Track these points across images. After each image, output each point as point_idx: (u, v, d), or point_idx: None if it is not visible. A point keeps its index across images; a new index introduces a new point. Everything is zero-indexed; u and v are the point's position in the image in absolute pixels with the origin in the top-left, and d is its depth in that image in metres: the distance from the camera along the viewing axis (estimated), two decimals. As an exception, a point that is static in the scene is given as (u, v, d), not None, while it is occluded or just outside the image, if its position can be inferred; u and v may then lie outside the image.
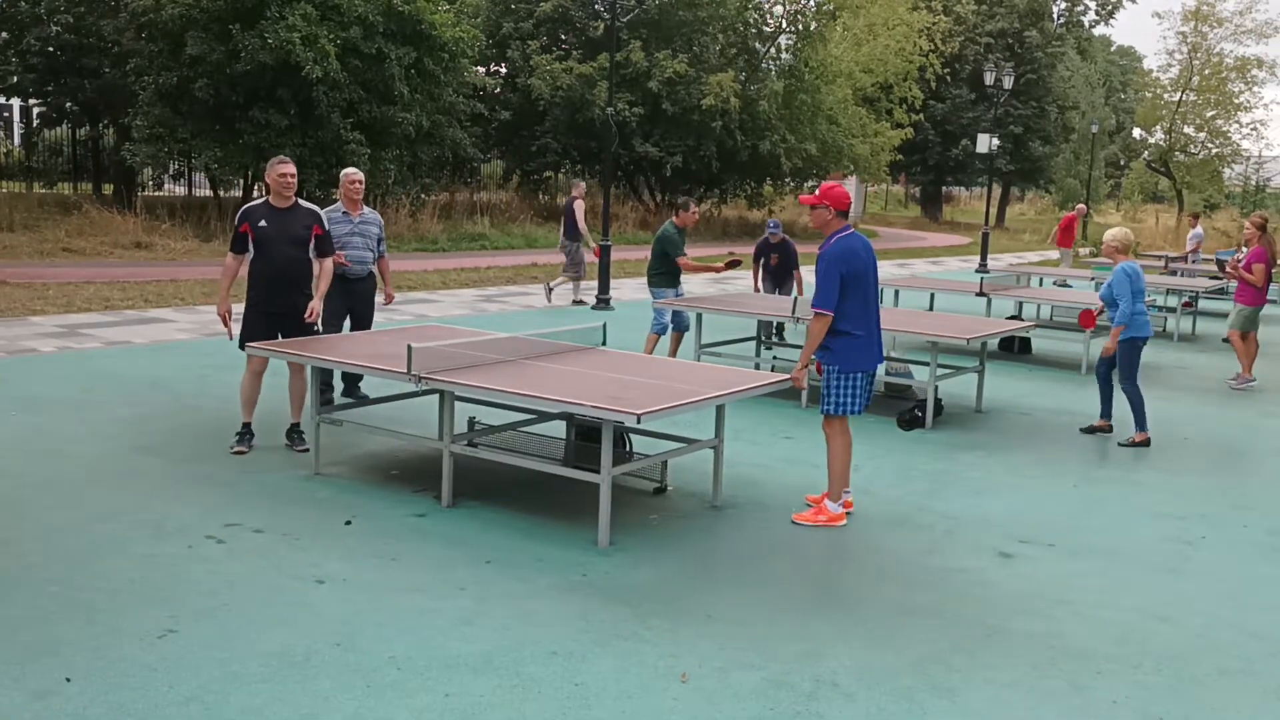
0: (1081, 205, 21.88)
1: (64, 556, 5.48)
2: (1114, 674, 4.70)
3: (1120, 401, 9.11)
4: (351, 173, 8.77)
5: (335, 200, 8.76)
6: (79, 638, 4.57)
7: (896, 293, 15.49)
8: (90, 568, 5.35)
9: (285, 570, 5.41)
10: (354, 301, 8.80)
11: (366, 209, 8.78)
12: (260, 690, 4.20)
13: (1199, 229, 23.87)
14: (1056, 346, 13.85)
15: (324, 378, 8.13)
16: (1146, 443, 8.84)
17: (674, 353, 11.04)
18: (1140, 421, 8.89)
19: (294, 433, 7.70)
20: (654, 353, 10.75)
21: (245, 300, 7.67)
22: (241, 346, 7.51)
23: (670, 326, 11.09)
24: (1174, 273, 20.31)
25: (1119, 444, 8.87)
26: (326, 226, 7.80)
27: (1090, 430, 9.22)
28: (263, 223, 7.46)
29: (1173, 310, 16.17)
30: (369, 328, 8.90)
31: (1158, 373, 12.58)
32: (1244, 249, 12.78)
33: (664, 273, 10.98)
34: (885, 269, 23.71)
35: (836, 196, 6.48)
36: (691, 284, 20.44)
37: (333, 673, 4.37)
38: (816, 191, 6.61)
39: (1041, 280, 18.02)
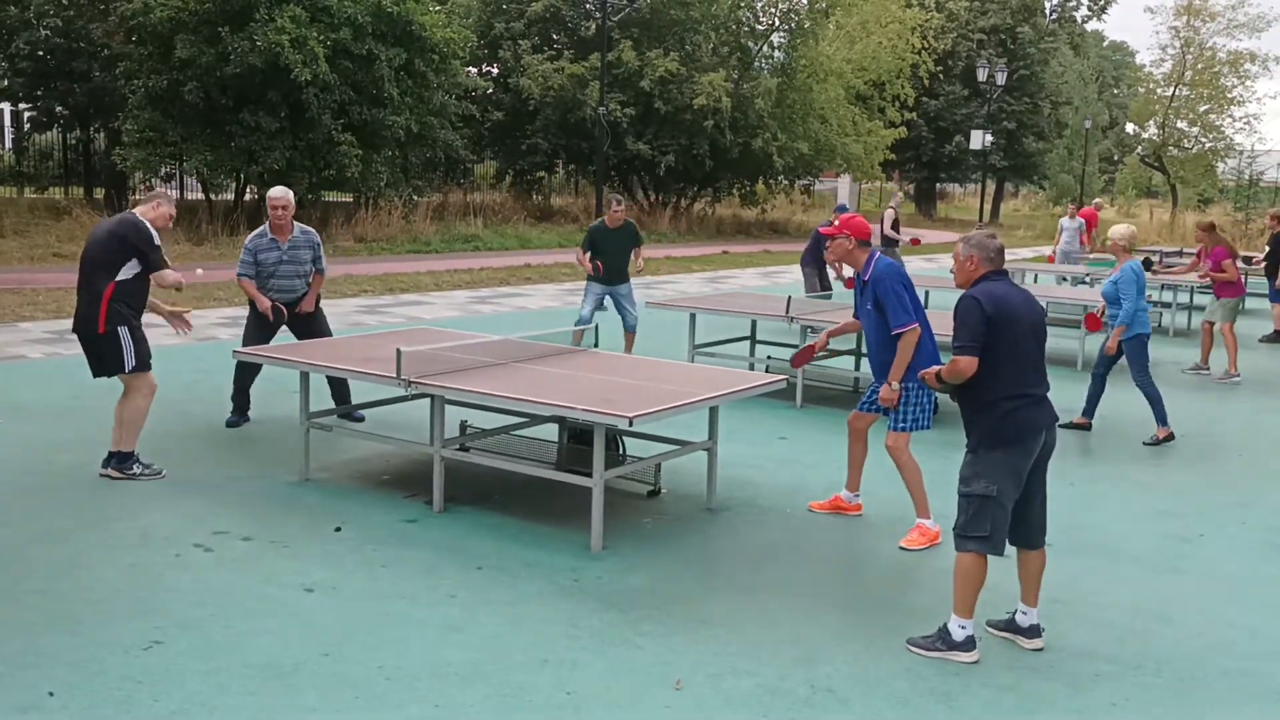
0: (1099, 200, 21.47)
1: (48, 566, 5.41)
2: (1113, 676, 4.64)
3: (1118, 401, 9.06)
4: (276, 196, 8.11)
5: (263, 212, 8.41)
6: (62, 649, 4.50)
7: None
8: (75, 577, 5.28)
9: (273, 579, 5.34)
10: (293, 325, 8.32)
11: (298, 229, 8.19)
12: (246, 702, 4.13)
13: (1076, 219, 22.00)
14: (1052, 344, 13.75)
15: (242, 383, 8.25)
16: (1171, 438, 8.78)
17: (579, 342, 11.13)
18: (1161, 417, 8.84)
19: (114, 462, 6.98)
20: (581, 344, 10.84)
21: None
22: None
23: (583, 319, 11.13)
24: (1168, 268, 20.26)
25: (1143, 443, 8.77)
26: (320, 252, 8.23)
27: (1069, 426, 9.13)
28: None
29: (1168, 305, 16.13)
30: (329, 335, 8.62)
31: (1152, 368, 12.51)
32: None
33: (611, 266, 11.16)
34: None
35: (856, 226, 6.38)
36: (686, 284, 20.39)
37: (320, 683, 4.30)
38: (835, 223, 6.51)
39: (1037, 277, 17.96)
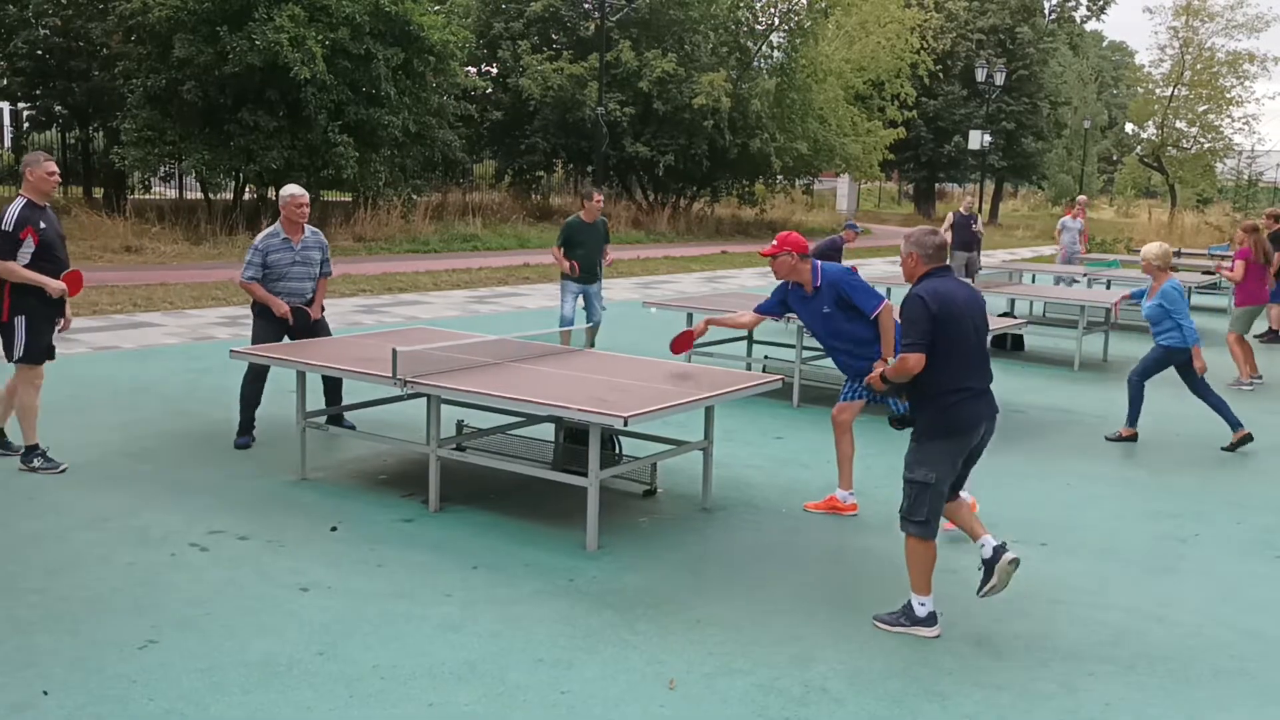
0: (1082, 197, 21.43)
1: (46, 565, 5.42)
2: (1107, 675, 4.65)
3: (1112, 401, 9.07)
4: (296, 194, 7.86)
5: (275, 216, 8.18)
6: (58, 648, 4.51)
7: (889, 290, 15.41)
8: (72, 577, 5.29)
9: (269, 578, 5.35)
10: (298, 329, 7.96)
11: (308, 230, 7.97)
12: (242, 701, 4.14)
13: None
14: (1049, 344, 13.81)
15: (251, 401, 7.90)
16: (1134, 438, 8.81)
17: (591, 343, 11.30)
18: (1133, 417, 8.86)
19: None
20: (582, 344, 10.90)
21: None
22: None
23: (566, 320, 11.13)
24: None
25: (1106, 438, 8.84)
26: (328, 255, 8.07)
27: (1118, 439, 8.95)
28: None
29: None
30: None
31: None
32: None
33: (583, 265, 11.09)
34: (879, 266, 23.68)
35: (795, 242, 6.69)
36: (684, 283, 20.39)
37: (316, 682, 4.31)
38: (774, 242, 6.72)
39: (1035, 277, 17.96)
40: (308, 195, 8.02)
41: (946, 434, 4.92)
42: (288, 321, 7.84)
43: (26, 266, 6.76)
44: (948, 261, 5.13)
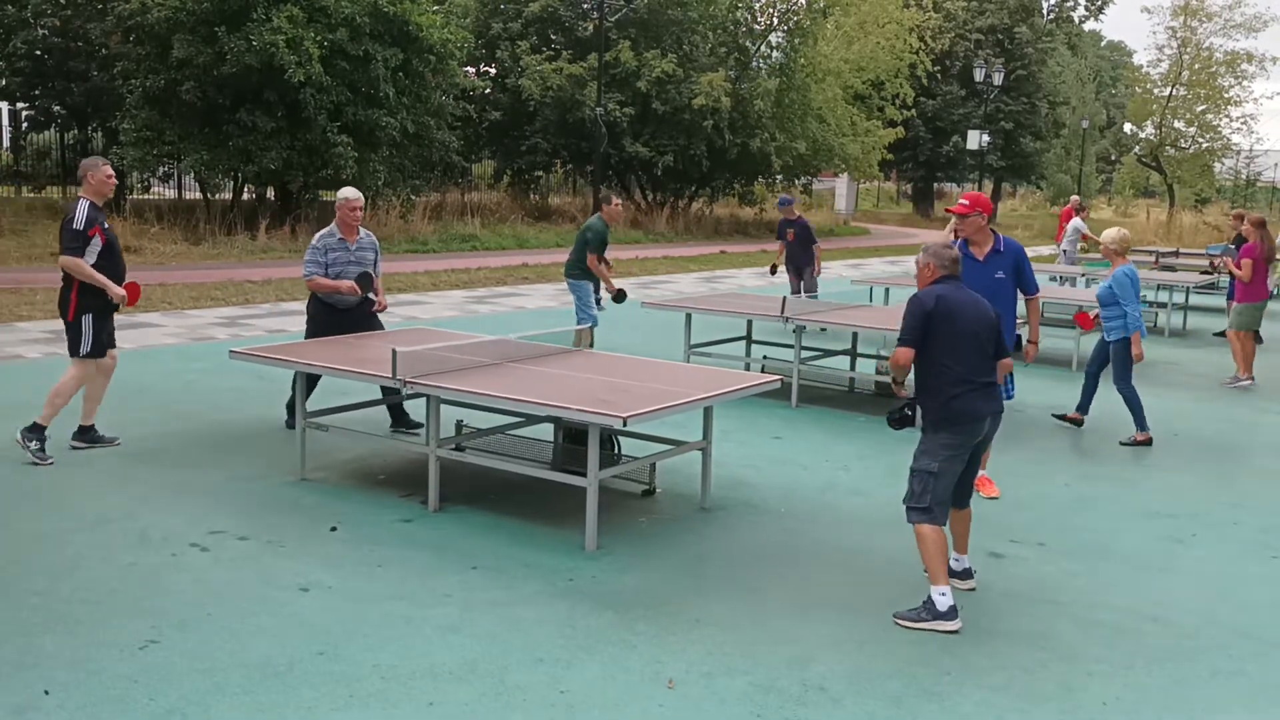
0: (1075, 198, 21.46)
1: (47, 566, 5.43)
2: (1105, 675, 4.67)
3: (1110, 401, 9.08)
4: (350, 197, 8.10)
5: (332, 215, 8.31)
6: (59, 649, 4.52)
7: (887, 290, 15.45)
8: (73, 578, 5.30)
9: (269, 578, 5.36)
10: (348, 328, 8.10)
11: (363, 232, 8.22)
12: (242, 701, 4.15)
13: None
14: (1046, 343, 13.81)
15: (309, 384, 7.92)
16: (1148, 442, 8.80)
17: (590, 344, 11.10)
18: (1140, 421, 8.85)
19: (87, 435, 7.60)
20: (593, 345, 10.77)
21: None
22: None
23: (594, 319, 11.11)
24: (1167, 268, 20.31)
25: (1120, 443, 8.81)
26: (379, 256, 8.24)
27: (1062, 418, 9.31)
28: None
29: (1164, 306, 16.17)
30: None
31: (1150, 369, 12.57)
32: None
33: (585, 266, 10.95)
34: (877, 266, 23.70)
35: (985, 204, 7.06)
36: (682, 283, 20.41)
37: (316, 682, 4.32)
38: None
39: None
40: (362, 199, 8.19)
41: (950, 425, 5.15)
42: (366, 283, 8.08)
43: (92, 266, 7.20)
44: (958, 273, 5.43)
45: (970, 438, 5.20)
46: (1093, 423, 9.36)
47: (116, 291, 7.27)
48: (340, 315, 8.12)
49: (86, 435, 7.59)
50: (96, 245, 7.18)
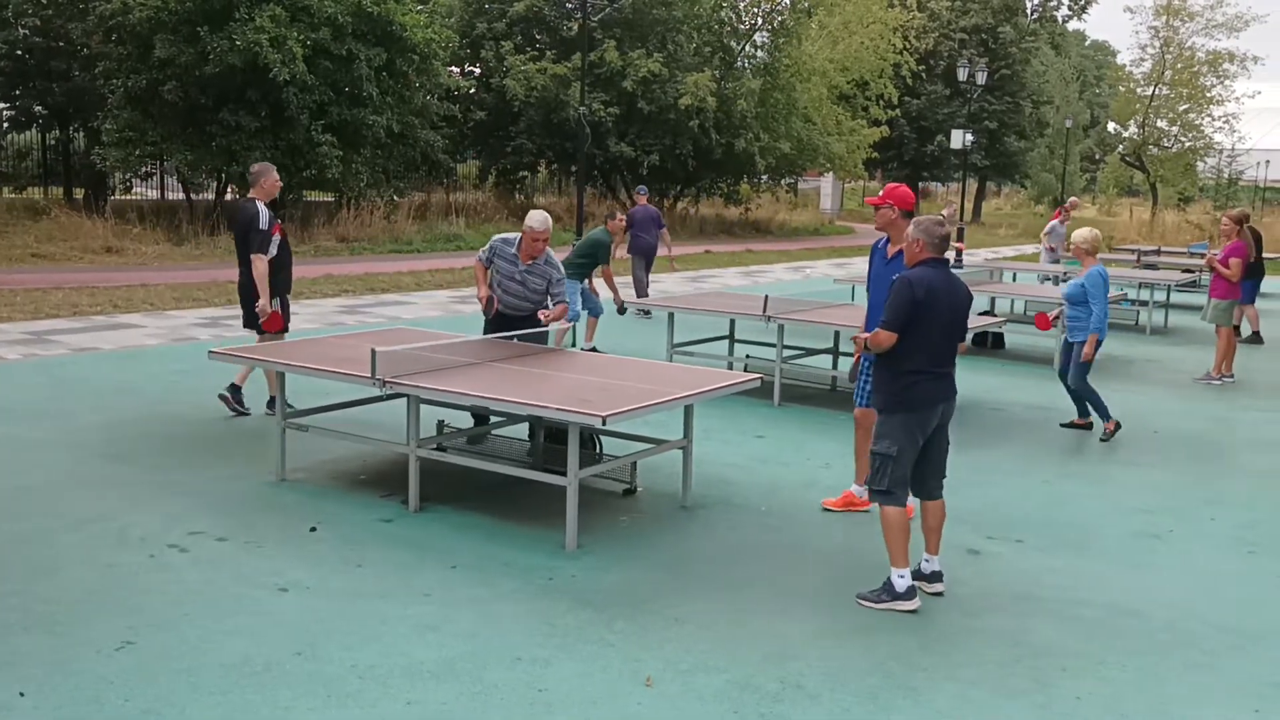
0: (1074, 199, 21.44)
1: (26, 567, 5.41)
2: (1079, 670, 4.70)
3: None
4: (535, 228, 7.61)
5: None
6: (37, 650, 4.51)
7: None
8: (52, 578, 5.28)
9: (247, 578, 5.36)
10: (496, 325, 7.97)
11: (541, 261, 7.76)
12: (219, 701, 4.15)
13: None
14: (1029, 342, 13.88)
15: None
16: (1118, 427, 8.89)
17: (591, 338, 12.12)
18: (1104, 413, 8.92)
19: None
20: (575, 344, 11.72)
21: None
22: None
23: (589, 312, 12.13)
24: (1149, 266, 20.42)
25: (1100, 439, 8.86)
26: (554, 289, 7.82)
27: (1070, 425, 9.27)
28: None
29: (1145, 304, 16.25)
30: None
31: (1129, 366, 12.64)
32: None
33: (581, 266, 12.11)
34: (861, 265, 23.73)
35: (900, 196, 6.65)
36: (666, 283, 20.43)
37: (293, 682, 4.32)
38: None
39: (1015, 276, 18.06)
40: (548, 229, 7.68)
41: (906, 409, 5.28)
42: (490, 307, 7.83)
43: (272, 258, 8.20)
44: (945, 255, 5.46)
45: (924, 423, 5.32)
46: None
47: (265, 308, 8.23)
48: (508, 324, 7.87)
49: (268, 405, 8.34)
50: (277, 239, 8.28)
